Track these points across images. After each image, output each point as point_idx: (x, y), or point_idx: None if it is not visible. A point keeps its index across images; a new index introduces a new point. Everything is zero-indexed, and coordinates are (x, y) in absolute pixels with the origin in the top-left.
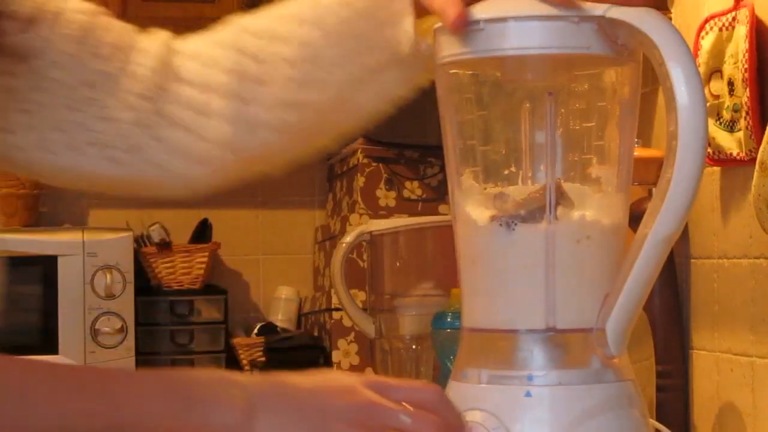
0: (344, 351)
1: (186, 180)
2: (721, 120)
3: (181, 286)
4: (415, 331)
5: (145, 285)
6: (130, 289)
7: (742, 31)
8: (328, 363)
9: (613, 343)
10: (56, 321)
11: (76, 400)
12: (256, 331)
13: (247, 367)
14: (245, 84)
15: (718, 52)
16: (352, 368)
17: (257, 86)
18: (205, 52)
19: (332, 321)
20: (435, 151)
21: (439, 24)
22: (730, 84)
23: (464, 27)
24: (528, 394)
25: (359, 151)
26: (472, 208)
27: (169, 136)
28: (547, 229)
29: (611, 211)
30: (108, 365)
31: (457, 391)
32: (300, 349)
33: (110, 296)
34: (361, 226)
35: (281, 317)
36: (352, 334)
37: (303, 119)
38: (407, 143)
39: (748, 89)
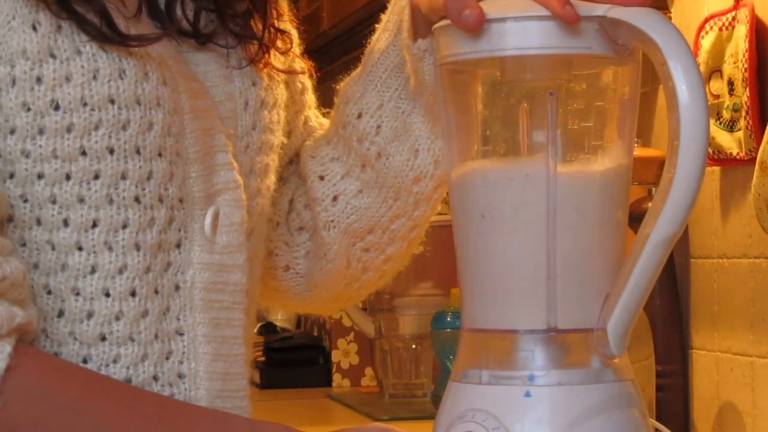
0: (344, 351)
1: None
2: (721, 120)
3: None
4: (415, 331)
5: None
6: None
7: (741, 31)
8: (327, 363)
9: (614, 343)
10: None
11: (133, 427)
12: (255, 330)
13: None
14: None
15: (717, 52)
16: (352, 368)
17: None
18: None
19: (332, 321)
20: None
21: (439, 24)
22: (730, 84)
23: (481, 26)
24: (527, 394)
25: None
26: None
27: None
28: (548, 229)
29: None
30: None
31: (456, 391)
32: (300, 348)
33: None
34: None
35: (281, 317)
36: (352, 334)
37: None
38: None
39: (747, 89)
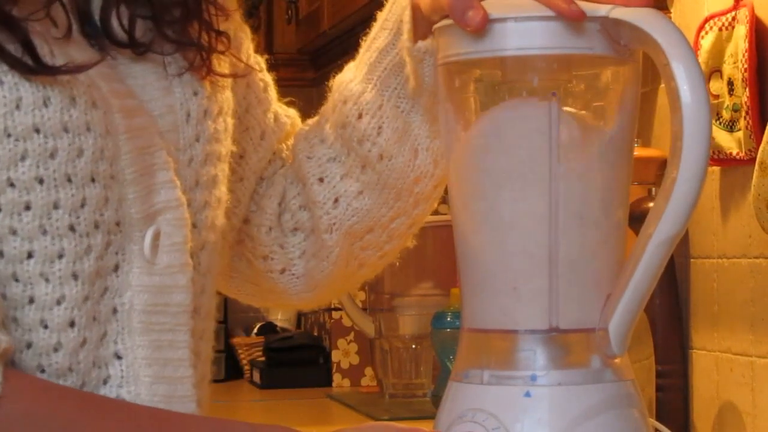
0: (344, 351)
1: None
2: (721, 120)
3: None
4: (415, 331)
5: None
6: None
7: (741, 31)
8: (327, 363)
9: (615, 343)
10: None
11: None
12: (255, 330)
13: (246, 367)
14: None
15: (717, 52)
16: (352, 368)
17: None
18: None
19: (332, 320)
20: None
21: (440, 24)
22: (730, 84)
23: (485, 26)
24: (527, 394)
25: None
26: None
27: None
28: (549, 229)
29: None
30: None
31: (457, 391)
32: (300, 348)
33: None
34: None
35: (281, 317)
36: (352, 334)
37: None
38: None
39: (747, 89)
